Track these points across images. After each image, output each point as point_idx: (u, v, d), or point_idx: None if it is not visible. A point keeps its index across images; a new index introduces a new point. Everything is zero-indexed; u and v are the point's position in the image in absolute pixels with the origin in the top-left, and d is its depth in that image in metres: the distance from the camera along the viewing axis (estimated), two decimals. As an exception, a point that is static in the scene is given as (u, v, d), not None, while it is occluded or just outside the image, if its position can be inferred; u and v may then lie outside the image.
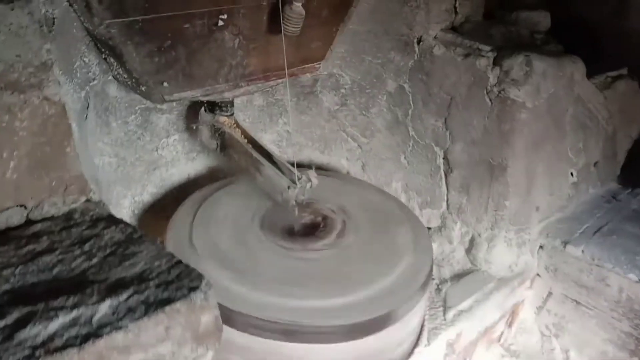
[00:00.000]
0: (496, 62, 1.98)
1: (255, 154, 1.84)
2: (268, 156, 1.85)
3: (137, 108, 1.91)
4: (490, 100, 1.98)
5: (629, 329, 1.94)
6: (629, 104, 2.33)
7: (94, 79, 1.61)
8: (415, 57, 2.14)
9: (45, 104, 1.19)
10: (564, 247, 2.06)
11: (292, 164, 1.78)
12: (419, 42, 2.13)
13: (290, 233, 1.81)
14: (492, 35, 2.24)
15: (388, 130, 2.28)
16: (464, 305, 1.94)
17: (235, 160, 1.90)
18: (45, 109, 1.20)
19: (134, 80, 1.55)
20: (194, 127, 1.93)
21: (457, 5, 2.19)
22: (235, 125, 1.94)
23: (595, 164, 2.30)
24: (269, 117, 2.28)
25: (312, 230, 1.81)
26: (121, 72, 1.57)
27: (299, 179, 1.78)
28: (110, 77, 1.69)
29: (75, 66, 1.51)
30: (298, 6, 1.61)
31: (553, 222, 2.17)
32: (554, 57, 2.02)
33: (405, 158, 2.27)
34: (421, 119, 2.18)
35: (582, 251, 2.02)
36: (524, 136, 1.98)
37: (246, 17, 1.64)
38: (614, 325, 1.98)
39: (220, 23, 1.60)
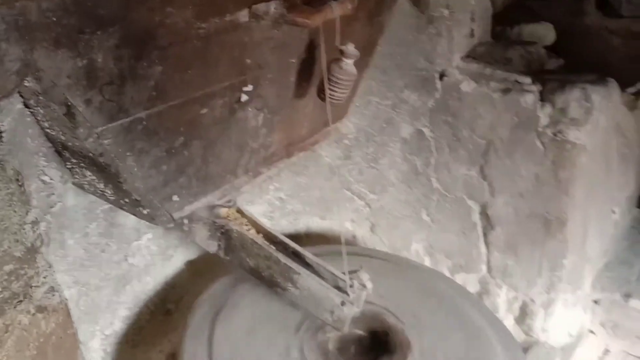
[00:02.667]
0: (544, 98, 1.64)
1: (284, 259, 1.34)
2: (301, 259, 1.37)
3: (98, 211, 1.32)
4: (543, 144, 1.64)
5: None
6: (649, 122, 2.12)
7: (56, 203, 1.03)
8: (437, 96, 1.74)
9: (39, 320, 0.64)
10: (627, 300, 1.80)
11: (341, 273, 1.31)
12: (441, 77, 1.73)
13: (339, 353, 1.35)
14: (511, 59, 1.89)
15: (404, 183, 1.87)
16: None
17: (251, 266, 1.39)
18: (41, 326, 0.64)
19: (132, 202, 0.99)
20: (186, 230, 1.38)
21: (474, 27, 1.82)
22: (240, 216, 1.41)
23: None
24: (257, 185, 1.76)
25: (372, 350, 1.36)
26: (110, 193, 1.01)
27: (350, 286, 1.32)
28: (69, 185, 1.10)
29: (31, 191, 0.92)
30: (349, 64, 1.14)
31: (601, 270, 1.90)
32: (602, 86, 1.71)
33: (428, 215, 1.88)
34: (448, 168, 1.79)
35: (648, 304, 1.77)
36: (583, 183, 1.67)
37: (274, 83, 1.15)
38: (690, 382, 1.76)
39: (244, 98, 1.09)
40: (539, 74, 1.78)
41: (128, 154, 0.90)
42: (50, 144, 0.94)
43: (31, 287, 0.63)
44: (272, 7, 1.00)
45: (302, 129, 1.32)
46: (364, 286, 1.33)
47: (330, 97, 1.15)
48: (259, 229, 1.41)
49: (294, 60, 1.17)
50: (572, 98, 1.61)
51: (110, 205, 1.34)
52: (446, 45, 1.71)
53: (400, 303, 1.44)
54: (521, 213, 1.73)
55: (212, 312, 1.41)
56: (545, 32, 2.12)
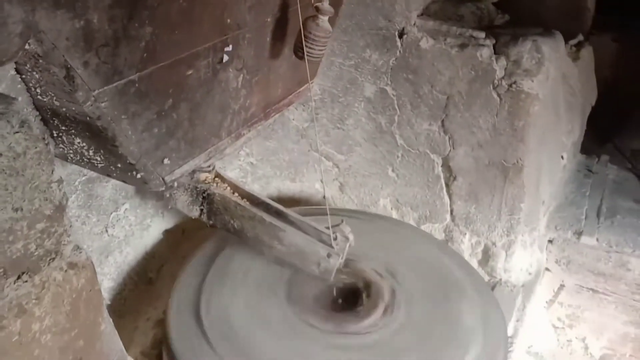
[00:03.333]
0: (499, 51, 1.73)
1: (269, 218, 1.38)
2: (285, 218, 1.41)
3: (76, 183, 1.32)
4: (499, 95, 1.73)
5: (653, 309, 1.90)
6: (590, 71, 2.26)
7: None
8: (398, 54, 1.80)
9: (71, 276, 0.66)
10: (578, 238, 1.94)
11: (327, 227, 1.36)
12: (400, 35, 1.78)
13: (324, 305, 1.42)
14: (463, 16, 1.97)
15: (369, 142, 1.93)
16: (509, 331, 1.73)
17: (236, 228, 1.42)
18: (73, 282, 0.66)
19: (126, 166, 1.00)
20: (167, 196, 1.39)
21: (426, -15, 1.87)
22: (220, 181, 1.44)
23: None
24: (239, 147, 1.78)
25: (353, 301, 1.43)
26: (99, 160, 1.01)
27: (334, 239, 1.37)
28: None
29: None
30: (325, 21, 1.17)
31: (553, 212, 2.04)
32: (550, 37, 1.82)
33: (393, 171, 1.95)
34: (411, 124, 1.86)
35: (597, 239, 1.92)
36: (536, 131, 1.78)
37: (251, 43, 1.17)
38: (635, 307, 1.93)
39: (226, 58, 1.11)
40: (490, 29, 1.87)
41: (123, 116, 0.91)
42: (37, 112, 0.93)
43: (61, 244, 0.64)
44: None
45: (277, 90, 1.35)
46: (346, 238, 1.39)
47: (308, 55, 1.18)
48: (240, 192, 1.44)
49: (269, 19, 1.19)
50: (525, 50, 1.70)
51: (87, 177, 1.35)
52: (404, 4, 1.76)
53: (382, 260, 1.51)
54: (481, 162, 1.82)
55: (197, 281, 1.44)
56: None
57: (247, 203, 1.41)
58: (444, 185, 1.90)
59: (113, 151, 0.96)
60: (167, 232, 1.71)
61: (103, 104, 0.86)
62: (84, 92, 0.81)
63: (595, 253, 1.93)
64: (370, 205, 2.01)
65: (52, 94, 0.84)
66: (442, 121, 1.82)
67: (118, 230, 1.50)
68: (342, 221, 1.41)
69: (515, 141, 1.76)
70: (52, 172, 0.62)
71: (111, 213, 1.47)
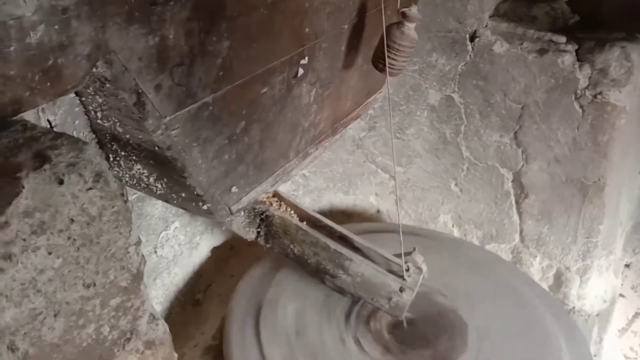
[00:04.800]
0: (582, 58, 1.56)
1: (334, 245, 1.24)
2: (349, 244, 1.27)
3: (126, 203, 1.19)
4: (582, 107, 1.57)
5: None
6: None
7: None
8: (468, 58, 1.65)
9: (148, 357, 0.53)
10: (660, 263, 1.77)
11: (399, 255, 1.22)
12: (472, 38, 1.63)
13: (395, 340, 1.28)
14: (536, 17, 1.80)
15: (431, 153, 1.78)
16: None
17: (295, 254, 1.28)
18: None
19: (191, 197, 0.87)
20: (227, 220, 1.26)
21: (500, -18, 1.71)
22: (279, 200, 1.31)
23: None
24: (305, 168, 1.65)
25: (425, 336, 1.29)
26: (160, 187, 0.88)
27: (406, 270, 1.23)
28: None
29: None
30: (411, 28, 1.03)
31: (629, 233, 1.87)
32: (637, 43, 1.64)
33: (457, 185, 1.80)
34: (479, 135, 1.71)
35: (682, 265, 1.75)
36: (621, 146, 1.61)
37: (326, 54, 1.03)
38: None
39: (301, 72, 0.97)
40: (568, 32, 1.70)
41: (194, 144, 0.78)
42: (93, 135, 0.81)
43: (137, 319, 0.52)
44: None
45: (347, 103, 1.21)
46: (419, 269, 1.25)
47: (390, 67, 1.04)
48: (301, 213, 1.31)
49: (346, 26, 1.05)
50: (612, 58, 1.53)
51: (137, 195, 1.23)
52: (477, 4, 1.60)
53: (448, 282, 1.37)
54: (557, 179, 1.66)
55: (253, 310, 1.32)
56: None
57: (309, 227, 1.27)
58: (513, 202, 1.75)
59: (179, 181, 0.83)
60: (215, 249, 1.59)
61: (174, 132, 0.73)
62: (155, 120, 0.68)
63: (678, 280, 1.76)
64: (429, 221, 1.86)
65: (116, 120, 0.71)
66: (515, 133, 1.67)
67: (167, 251, 1.39)
68: (414, 249, 1.27)
69: (598, 157, 1.59)
70: (129, 233, 0.50)
71: (161, 232, 1.35)
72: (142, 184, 0.94)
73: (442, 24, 1.63)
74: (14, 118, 0.51)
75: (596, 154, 1.59)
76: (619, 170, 1.66)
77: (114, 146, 0.82)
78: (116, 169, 0.92)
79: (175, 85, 0.69)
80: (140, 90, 0.64)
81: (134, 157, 0.83)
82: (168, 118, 0.71)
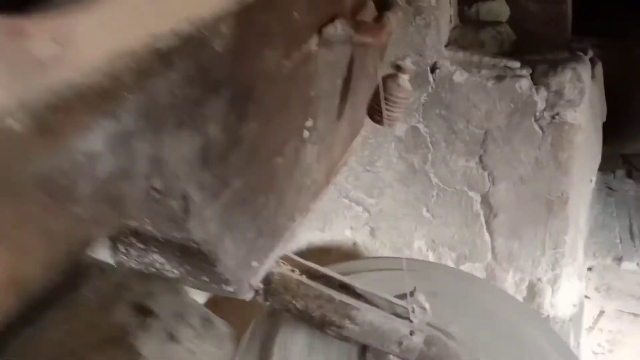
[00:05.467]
0: (537, 81, 1.64)
1: (338, 296, 1.22)
2: (351, 291, 1.26)
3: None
4: (541, 127, 1.64)
5: (700, 331, 1.87)
6: (602, 87, 2.21)
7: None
8: (430, 89, 1.68)
9: None
10: (619, 264, 1.88)
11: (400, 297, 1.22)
12: (432, 70, 1.67)
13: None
14: (484, 42, 1.87)
15: (401, 182, 1.80)
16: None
17: (298, 308, 1.25)
18: None
19: (216, 280, 0.83)
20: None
21: (451, 12, 1.76)
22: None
23: (596, 160, 2.15)
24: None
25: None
26: (177, 273, 0.83)
27: (412, 311, 1.23)
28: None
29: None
30: (405, 80, 1.03)
31: (587, 238, 1.98)
32: (582, 63, 1.74)
33: (428, 211, 1.83)
34: (446, 162, 1.75)
35: (638, 264, 1.87)
36: (579, 161, 1.70)
37: (325, 112, 1.02)
38: (682, 329, 1.89)
39: (306, 134, 0.95)
40: (518, 54, 1.78)
41: (226, 232, 0.74)
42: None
43: None
44: (339, 29, 0.87)
45: (337, 152, 1.20)
46: (424, 309, 1.25)
47: (388, 118, 1.04)
48: (298, 266, 1.27)
49: (339, 81, 1.04)
50: (566, 80, 1.61)
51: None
52: (435, 36, 1.64)
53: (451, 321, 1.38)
54: (523, 197, 1.73)
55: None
56: (501, 9, 2.11)
57: (309, 279, 1.25)
58: (484, 222, 1.80)
59: (206, 268, 0.79)
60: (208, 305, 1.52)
61: (211, 226, 0.69)
62: (196, 219, 0.64)
63: (636, 278, 1.88)
64: (404, 248, 1.88)
65: (148, 222, 0.66)
66: (480, 157, 1.72)
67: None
68: (415, 288, 1.27)
69: (560, 174, 1.67)
70: None
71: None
72: (153, 269, 0.88)
73: (404, 58, 1.65)
74: (83, 259, 0.46)
75: (558, 171, 1.67)
76: (578, 183, 1.75)
77: (131, 239, 0.76)
78: (123, 257, 0.86)
79: (214, 179, 0.65)
80: (186, 195, 0.60)
81: (154, 250, 0.77)
82: (207, 213, 0.67)
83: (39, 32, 0.35)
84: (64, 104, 0.38)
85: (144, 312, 0.40)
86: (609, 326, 1.99)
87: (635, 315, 1.94)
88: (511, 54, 1.85)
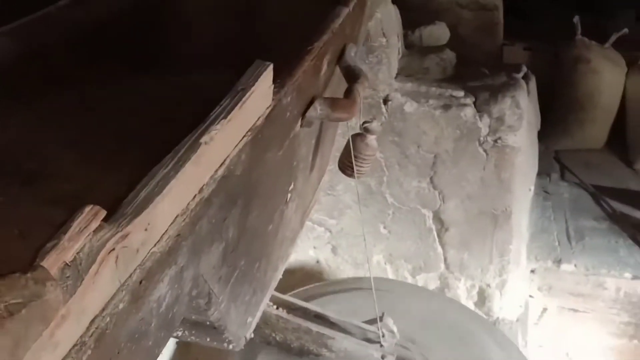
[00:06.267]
0: (480, 109, 1.80)
1: (315, 327, 1.35)
2: (325, 320, 1.38)
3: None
4: (485, 151, 1.81)
5: (628, 319, 2.10)
6: (536, 99, 2.40)
7: None
8: (384, 119, 1.81)
9: None
10: (558, 266, 2.09)
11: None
12: (385, 101, 1.80)
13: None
14: (428, 69, 2.02)
15: (360, 203, 1.93)
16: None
17: (278, 341, 1.36)
18: None
19: (217, 339, 0.93)
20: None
21: (399, 46, 1.90)
22: (252, 291, 1.37)
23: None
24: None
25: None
26: (187, 335, 0.93)
27: (382, 336, 1.37)
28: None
29: None
30: (373, 139, 1.16)
31: (529, 242, 2.17)
32: (522, 89, 1.91)
33: (385, 227, 1.97)
34: (400, 183, 1.89)
35: (575, 265, 2.08)
36: (520, 178, 1.88)
37: (302, 172, 1.12)
38: (613, 319, 2.12)
39: (289, 197, 1.05)
40: (461, 81, 1.94)
41: (232, 304, 0.84)
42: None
43: None
44: (318, 109, 0.98)
45: (309, 198, 1.31)
46: (392, 332, 1.39)
47: (358, 173, 1.16)
48: (276, 300, 1.39)
49: (313, 142, 1.15)
50: (506, 107, 1.78)
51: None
52: (387, 72, 1.77)
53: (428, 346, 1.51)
54: (471, 213, 1.90)
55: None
56: (441, 32, 2.27)
57: (287, 313, 1.36)
58: (436, 236, 1.96)
59: (213, 334, 0.89)
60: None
61: (222, 306, 0.79)
62: (215, 306, 0.74)
63: (574, 278, 2.09)
64: (363, 263, 2.02)
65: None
66: (431, 178, 1.87)
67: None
68: (383, 314, 1.41)
69: (503, 191, 1.85)
70: None
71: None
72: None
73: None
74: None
75: (501, 189, 1.84)
76: (520, 197, 1.93)
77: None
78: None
79: (228, 269, 0.75)
80: (211, 291, 0.70)
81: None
82: (221, 298, 0.76)
83: (136, 229, 0.44)
84: (148, 273, 0.48)
85: None
86: (552, 322, 2.20)
87: (575, 310, 2.16)
88: (454, 78, 2.01)
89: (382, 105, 1.80)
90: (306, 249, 1.99)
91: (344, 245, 2.01)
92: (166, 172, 0.50)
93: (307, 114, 0.96)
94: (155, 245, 0.48)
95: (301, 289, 1.69)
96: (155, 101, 0.80)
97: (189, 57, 1.04)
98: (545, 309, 2.18)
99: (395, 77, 1.85)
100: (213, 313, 0.76)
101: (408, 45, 2.13)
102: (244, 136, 0.66)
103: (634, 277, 2.03)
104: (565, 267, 2.08)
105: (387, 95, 1.79)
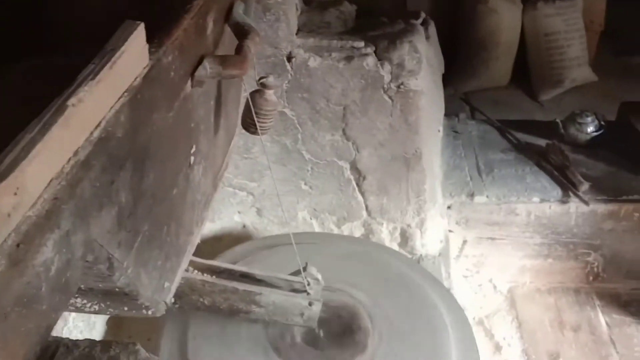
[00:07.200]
0: (381, 57, 1.84)
1: (241, 285, 1.37)
2: (251, 278, 1.41)
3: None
4: (390, 97, 1.86)
5: (540, 241, 2.26)
6: (437, 44, 2.48)
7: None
8: (290, 77, 1.83)
9: None
10: (472, 199, 2.21)
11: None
12: (289, 59, 1.81)
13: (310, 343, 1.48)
14: (329, 23, 2.05)
15: (278, 163, 1.96)
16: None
17: (206, 304, 1.38)
18: None
19: (136, 308, 0.94)
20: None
21: (297, 2, 1.90)
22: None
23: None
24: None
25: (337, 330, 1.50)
26: (97, 309, 0.93)
27: (308, 285, 1.42)
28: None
29: None
30: (271, 94, 1.17)
31: (443, 181, 2.28)
32: (419, 34, 1.97)
33: (306, 184, 2.01)
34: (314, 138, 1.93)
35: (487, 196, 2.20)
36: (426, 120, 1.96)
37: (204, 133, 1.13)
38: (527, 242, 2.27)
39: (192, 160, 1.06)
40: (362, 33, 1.97)
41: (142, 270, 0.85)
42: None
43: None
44: (208, 68, 0.98)
45: (219, 160, 1.32)
46: (317, 280, 1.44)
47: (261, 129, 1.17)
48: (200, 266, 1.40)
49: (212, 103, 1.15)
50: (405, 53, 1.83)
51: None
52: (286, 29, 1.77)
53: (351, 282, 1.58)
54: (384, 159, 1.96)
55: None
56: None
57: (213, 277, 1.38)
58: (355, 186, 2.02)
59: (128, 302, 0.89)
60: (110, 319, 1.60)
61: (130, 271, 0.79)
62: (119, 272, 0.75)
63: (488, 208, 2.22)
64: (290, 220, 2.06)
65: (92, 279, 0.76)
66: (343, 130, 1.92)
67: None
68: (306, 264, 1.45)
69: (411, 134, 1.92)
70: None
71: (62, 329, 1.34)
72: (73, 308, 0.96)
73: (261, 52, 1.77)
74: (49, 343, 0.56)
75: (409, 132, 1.91)
76: (429, 138, 2.01)
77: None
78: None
79: (127, 234, 0.76)
80: (111, 256, 0.71)
81: (76, 296, 0.87)
82: (125, 263, 0.77)
83: (4, 193, 0.44)
84: (25, 237, 0.48)
85: (114, 375, 0.51)
86: (473, 252, 2.34)
87: (492, 239, 2.30)
88: (355, 29, 2.04)
89: (287, 63, 1.81)
90: (231, 215, 2.00)
91: (268, 206, 2.03)
92: (32, 137, 0.50)
93: (197, 73, 0.96)
94: (30, 209, 0.49)
95: (225, 252, 1.71)
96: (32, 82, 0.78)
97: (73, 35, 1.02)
98: (465, 241, 2.31)
99: (297, 34, 1.86)
100: (119, 279, 0.76)
101: (306, 1, 2.14)
102: (120, 97, 0.66)
103: (542, 200, 2.18)
104: (478, 199, 2.21)
105: (290, 53, 1.80)
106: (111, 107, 0.64)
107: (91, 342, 0.57)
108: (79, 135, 0.57)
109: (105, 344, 0.57)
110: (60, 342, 0.57)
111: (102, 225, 0.67)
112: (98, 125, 0.61)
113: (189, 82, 0.95)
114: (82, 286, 0.79)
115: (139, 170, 0.77)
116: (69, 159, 0.55)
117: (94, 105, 0.60)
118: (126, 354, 0.56)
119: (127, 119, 0.68)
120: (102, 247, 0.68)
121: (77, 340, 0.57)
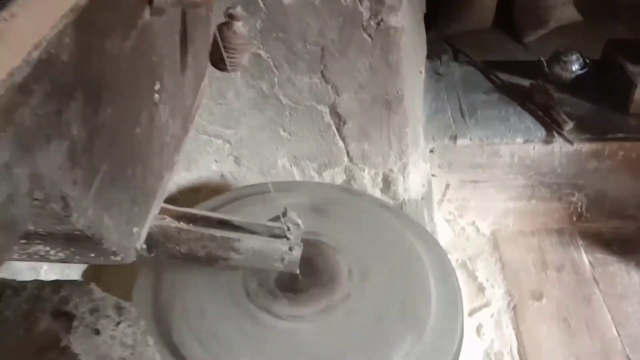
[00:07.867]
0: (359, -7, 1.75)
1: (219, 232, 1.33)
2: (230, 225, 1.36)
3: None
4: (370, 36, 1.78)
5: (524, 182, 2.24)
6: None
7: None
8: (264, 15, 1.74)
9: None
10: (455, 142, 2.17)
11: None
12: (262, -4, 1.71)
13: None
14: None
15: (255, 109, 1.89)
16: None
17: (183, 253, 1.34)
18: None
19: (103, 254, 0.89)
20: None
21: None
22: (149, 208, 1.33)
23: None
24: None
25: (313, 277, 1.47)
26: (63, 257, 0.88)
27: (288, 230, 1.38)
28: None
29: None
30: (240, 26, 1.10)
31: (425, 124, 2.23)
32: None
33: (285, 130, 1.95)
34: (292, 82, 1.85)
35: (470, 139, 2.17)
36: (407, 61, 1.89)
37: (169, 70, 1.06)
38: (511, 184, 2.26)
39: (157, 97, 1.00)
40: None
41: (104, 213, 0.79)
42: None
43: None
44: (168, -5, 0.90)
45: (188, 100, 1.25)
46: (298, 225, 1.40)
47: (231, 65, 1.10)
48: (174, 213, 1.35)
49: (177, 37, 1.08)
50: (377, -14, 1.74)
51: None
52: (258, -38, 1.67)
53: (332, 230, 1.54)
54: (365, 102, 1.90)
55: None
56: None
57: (187, 224, 1.33)
58: (335, 131, 1.96)
59: (93, 248, 0.84)
60: (85, 272, 1.55)
61: (89, 212, 0.74)
62: (77, 212, 0.69)
63: (471, 150, 2.18)
64: (270, 169, 2.01)
65: (31, 224, 0.70)
66: (322, 72, 1.84)
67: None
68: (286, 209, 1.41)
69: (393, 75, 1.85)
70: (152, 343, 0.55)
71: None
72: (37, 257, 0.91)
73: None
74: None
75: (390, 72, 1.84)
76: (410, 79, 1.95)
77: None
78: None
79: (84, 172, 0.70)
80: (64, 195, 0.65)
81: (37, 242, 0.81)
82: (84, 203, 0.72)
83: None
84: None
85: (65, 316, 0.46)
86: (456, 195, 2.31)
87: (475, 182, 2.27)
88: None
89: (259, 0, 1.71)
90: (208, 164, 1.94)
91: (246, 154, 1.97)
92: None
93: (155, 0, 0.89)
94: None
95: (204, 202, 1.66)
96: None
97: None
98: (448, 185, 2.28)
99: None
100: (77, 220, 0.71)
101: None
102: (63, 16, 0.59)
103: (526, 141, 2.15)
104: (461, 142, 2.17)
105: (263, -11, 1.70)
106: (53, 27, 0.57)
107: (40, 283, 0.53)
108: (15, 54, 0.50)
109: (54, 284, 0.53)
110: (6, 284, 0.52)
111: (52, 160, 0.61)
112: (38, 46, 0.54)
113: (147, 10, 0.88)
114: (40, 230, 0.74)
115: (92, 102, 0.70)
116: (4, 81, 0.49)
117: (29, 21, 0.53)
118: (79, 293, 0.51)
119: (72, 41, 0.61)
120: (54, 184, 0.62)
121: (25, 281, 0.52)
